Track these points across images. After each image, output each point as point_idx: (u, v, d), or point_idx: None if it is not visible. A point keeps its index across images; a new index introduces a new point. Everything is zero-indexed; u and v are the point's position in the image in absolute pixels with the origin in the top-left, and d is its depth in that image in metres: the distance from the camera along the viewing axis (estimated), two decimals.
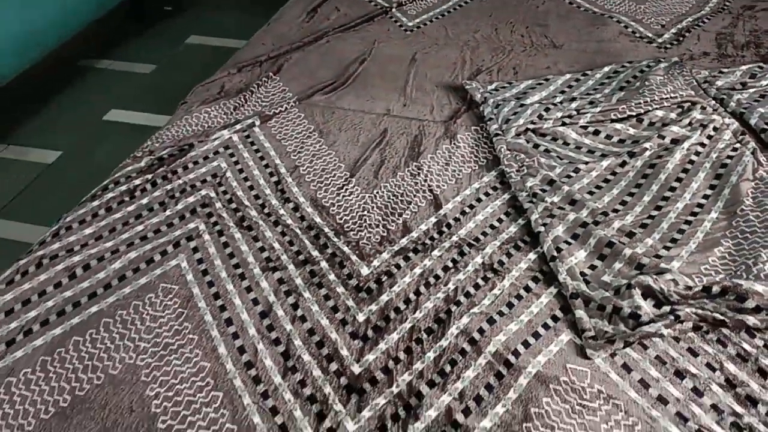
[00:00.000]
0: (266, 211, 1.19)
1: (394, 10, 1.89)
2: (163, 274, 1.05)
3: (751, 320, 0.89)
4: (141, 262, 1.08)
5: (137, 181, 1.25)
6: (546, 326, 0.94)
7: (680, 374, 0.86)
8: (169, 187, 1.24)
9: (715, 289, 0.91)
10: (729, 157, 1.18)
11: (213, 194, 1.22)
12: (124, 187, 1.24)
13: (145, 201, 1.21)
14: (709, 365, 0.87)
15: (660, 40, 1.62)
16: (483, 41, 1.70)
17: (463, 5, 1.89)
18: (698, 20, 1.68)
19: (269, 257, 1.08)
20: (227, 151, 1.34)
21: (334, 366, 0.90)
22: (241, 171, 1.29)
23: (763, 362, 0.86)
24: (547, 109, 1.36)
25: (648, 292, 0.93)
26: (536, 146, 1.29)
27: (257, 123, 1.42)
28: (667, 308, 0.91)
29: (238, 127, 1.40)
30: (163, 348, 0.93)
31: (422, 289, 1.01)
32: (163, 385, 0.88)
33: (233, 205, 1.20)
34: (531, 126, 1.32)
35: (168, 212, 1.18)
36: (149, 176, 1.27)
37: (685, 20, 1.68)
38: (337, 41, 1.75)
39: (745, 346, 0.89)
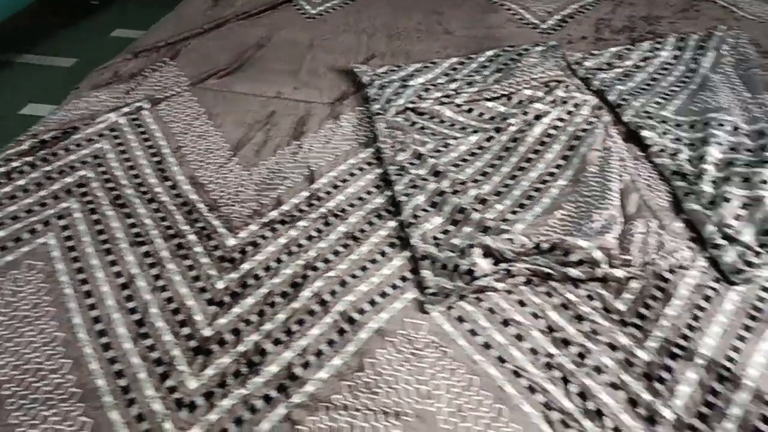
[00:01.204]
0: (143, 189, 1.22)
1: None
2: (30, 252, 1.07)
3: (573, 272, 0.96)
4: (8, 241, 1.09)
5: (15, 164, 1.26)
6: (394, 286, 1.00)
7: (506, 323, 0.93)
8: (47, 168, 1.26)
9: (545, 245, 0.99)
10: (584, 130, 1.27)
11: (91, 174, 1.24)
12: (2, 170, 1.25)
13: (21, 182, 1.22)
14: (534, 314, 0.94)
15: (544, 26, 1.70)
16: (381, 28, 1.76)
17: None
18: (582, 7, 1.77)
19: (139, 233, 1.11)
20: (112, 134, 1.36)
21: (186, 331, 0.94)
22: (123, 152, 1.31)
23: (582, 309, 0.94)
24: (426, 90, 1.42)
25: (488, 251, 1.00)
26: (413, 124, 1.35)
27: (146, 106, 1.44)
28: (504, 265, 0.98)
29: (125, 110, 1.42)
30: (19, 321, 0.95)
31: (284, 257, 1.06)
32: (13, 355, 0.90)
33: (110, 185, 1.23)
34: (410, 105, 1.38)
35: (43, 192, 1.20)
36: (29, 158, 1.28)
37: (569, 7, 1.77)
38: (238, 27, 1.78)
39: (569, 296, 0.96)
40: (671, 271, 0.98)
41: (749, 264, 0.97)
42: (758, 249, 0.98)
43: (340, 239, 1.09)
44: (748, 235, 1.00)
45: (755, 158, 1.13)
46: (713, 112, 1.25)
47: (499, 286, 0.97)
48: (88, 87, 1.53)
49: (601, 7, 1.77)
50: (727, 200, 1.06)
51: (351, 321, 0.94)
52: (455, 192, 1.15)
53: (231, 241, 1.09)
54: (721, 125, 1.22)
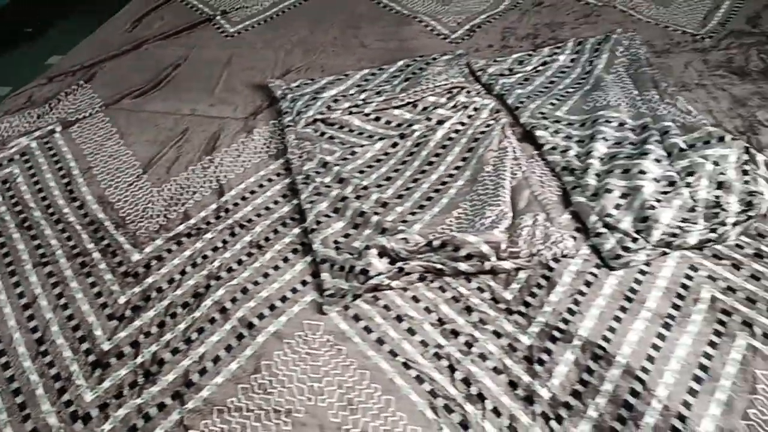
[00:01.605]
0: (51, 211, 1.22)
1: (218, 17, 1.96)
2: None
3: (463, 266, 1.01)
4: None
5: None
6: (294, 290, 1.03)
7: (400, 318, 0.96)
8: None
9: (436, 243, 1.03)
10: (482, 132, 1.33)
11: None
12: None
13: None
14: (426, 308, 0.98)
15: (453, 36, 1.77)
16: (298, 44, 1.80)
17: (285, 11, 1.99)
18: (490, 17, 1.85)
19: (44, 253, 1.12)
20: (23, 158, 1.36)
21: (85, 346, 0.95)
22: (33, 176, 1.31)
23: (472, 301, 0.98)
24: (336, 101, 1.47)
25: (383, 252, 1.04)
26: (322, 134, 1.39)
27: (58, 129, 1.44)
28: (400, 264, 1.02)
29: (37, 134, 1.42)
30: None
31: (188, 269, 1.08)
32: None
33: (18, 209, 1.23)
34: (320, 116, 1.42)
35: None
36: None
37: (478, 18, 1.85)
38: (155, 48, 1.80)
39: (461, 289, 1.01)
40: (556, 260, 1.04)
41: (627, 249, 1.03)
42: (635, 235, 1.05)
43: (245, 249, 1.11)
44: (626, 223, 1.07)
45: (636, 151, 1.21)
46: (602, 110, 1.33)
47: (394, 283, 1.01)
48: (0, 113, 1.52)
49: (508, 17, 1.85)
50: (609, 191, 1.12)
51: (250, 326, 0.96)
52: (358, 197, 1.19)
53: (136, 257, 1.11)
54: (608, 122, 1.29)
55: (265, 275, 1.06)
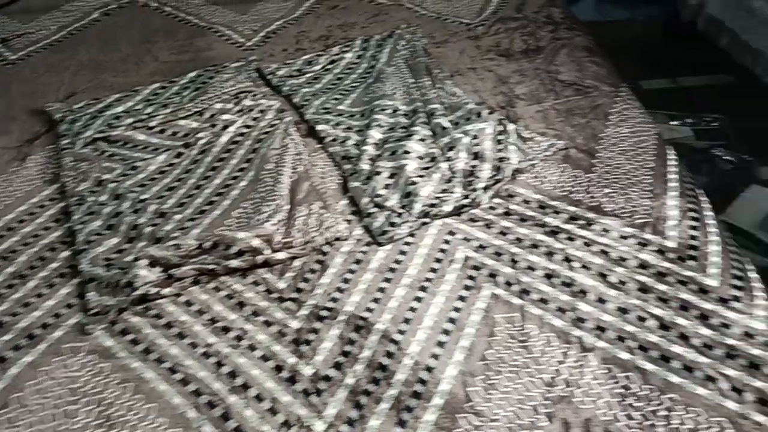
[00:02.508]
0: None
1: None
2: None
3: (235, 263, 1.02)
4: None
5: None
6: (57, 315, 0.97)
7: (170, 325, 0.95)
8: None
9: (207, 244, 1.03)
10: (266, 133, 1.35)
11: None
12: None
13: None
14: (199, 311, 0.97)
15: (249, 44, 1.78)
16: (86, 64, 1.72)
17: (75, 33, 1.89)
18: (286, 23, 1.89)
19: None
20: None
21: None
22: None
23: (246, 296, 0.99)
24: (117, 118, 1.42)
25: (154, 261, 1.02)
26: (102, 153, 1.34)
27: None
28: (175, 271, 1.01)
29: None
30: None
31: None
32: None
33: None
34: (100, 135, 1.36)
35: None
36: None
37: (274, 24, 1.88)
38: None
39: (236, 286, 1.01)
40: (330, 245, 1.08)
41: (393, 225, 1.09)
42: (400, 210, 1.11)
43: (6, 281, 1.04)
44: (393, 200, 1.13)
45: (405, 134, 1.28)
46: (378, 100, 1.40)
47: (166, 291, 0.99)
48: None
49: (303, 21, 1.90)
50: (378, 173, 1.18)
51: (2, 360, 0.90)
52: (136, 211, 1.15)
53: None
54: (383, 110, 1.37)
55: (26, 305, 0.99)
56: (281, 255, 1.05)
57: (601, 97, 1.38)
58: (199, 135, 1.35)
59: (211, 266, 1.01)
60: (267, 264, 1.04)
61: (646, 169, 1.18)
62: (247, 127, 1.38)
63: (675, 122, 2.28)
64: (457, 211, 1.11)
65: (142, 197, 1.19)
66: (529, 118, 1.35)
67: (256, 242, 1.03)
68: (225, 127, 1.37)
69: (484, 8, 1.91)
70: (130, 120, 1.41)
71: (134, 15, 1.98)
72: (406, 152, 1.21)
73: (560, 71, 1.50)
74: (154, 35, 1.86)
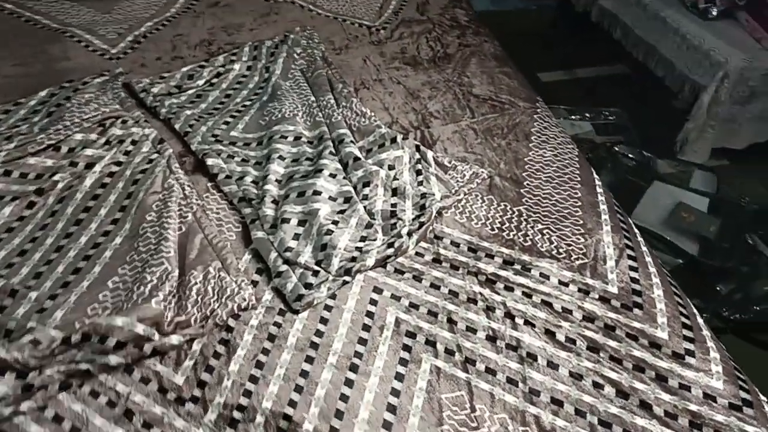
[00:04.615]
0: None
1: None
2: None
3: (115, 359, 0.81)
4: None
5: None
6: None
7: None
8: None
9: (76, 337, 0.81)
10: (143, 171, 1.12)
11: None
12: None
13: None
14: (73, 428, 0.76)
15: (114, 51, 1.50)
16: None
17: None
18: (159, 24, 1.62)
19: None
20: None
21: None
22: None
23: (133, 400, 0.79)
24: None
25: (5, 366, 0.78)
26: None
27: None
28: (35, 378, 0.78)
29: None
30: None
31: None
32: None
33: None
34: None
35: None
36: None
37: (144, 25, 1.61)
38: None
39: (120, 387, 0.81)
40: (235, 317, 0.90)
41: (309, 286, 0.93)
42: (315, 267, 0.95)
43: None
44: (306, 255, 0.97)
45: (312, 167, 1.12)
46: (277, 124, 1.22)
47: (24, 406, 0.77)
48: None
49: (180, 22, 1.64)
50: (286, 221, 1.01)
51: None
52: None
53: None
54: (284, 137, 1.19)
55: None
56: (175, 339, 0.85)
57: (518, 114, 1.30)
58: (56, 177, 1.09)
59: (84, 366, 0.80)
60: (157, 353, 0.84)
61: (575, 199, 1.11)
62: (118, 164, 1.13)
63: (574, 117, 2.29)
64: (380, 263, 0.98)
65: None
66: (446, 140, 1.23)
67: (140, 328, 0.82)
68: (89, 166, 1.12)
69: (384, 8, 1.76)
70: None
71: None
72: (316, 192, 1.04)
73: (473, 84, 1.39)
74: None
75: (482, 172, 1.13)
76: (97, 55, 1.49)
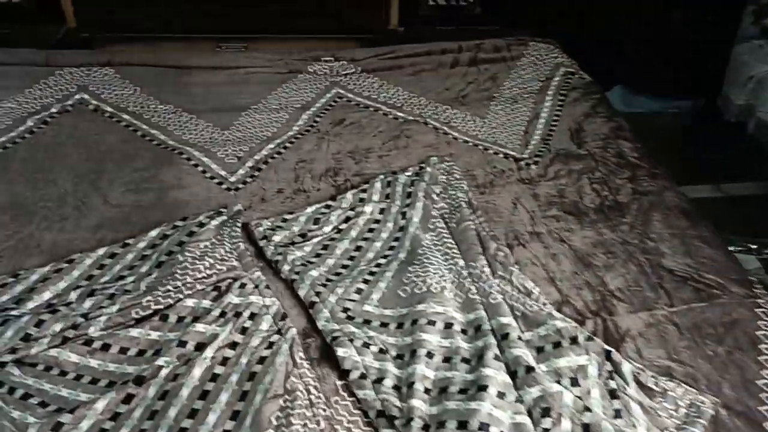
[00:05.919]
0: None
1: None
2: None
3: None
4: None
5: None
6: None
7: None
8: None
9: None
10: (262, 360, 0.91)
11: None
12: None
13: None
14: None
15: (233, 180, 1.35)
16: (6, 207, 1.25)
17: None
18: (281, 146, 1.47)
19: None
20: None
21: None
22: None
23: None
24: (40, 322, 0.97)
25: None
26: (12, 390, 0.88)
27: None
28: None
29: None
30: None
31: None
32: None
33: None
34: (10, 356, 0.91)
35: None
36: None
37: (265, 148, 1.46)
38: None
39: None
40: None
41: None
42: None
43: None
44: None
45: (471, 376, 0.86)
46: (421, 301, 0.98)
47: None
48: None
49: (303, 144, 1.48)
50: None
51: None
52: None
53: None
54: (432, 323, 0.95)
55: None
56: None
57: (733, 307, 0.99)
58: (161, 361, 0.90)
59: None
60: None
61: None
62: (233, 346, 0.94)
63: (733, 248, 1.94)
64: None
65: None
66: (638, 336, 0.95)
67: None
68: (200, 347, 0.93)
69: (530, 132, 1.53)
70: (59, 326, 0.95)
71: (80, 124, 1.53)
72: (483, 427, 0.79)
73: (662, 252, 1.11)
74: (104, 160, 1.41)
75: (706, 402, 0.84)
76: (215, 183, 1.34)
